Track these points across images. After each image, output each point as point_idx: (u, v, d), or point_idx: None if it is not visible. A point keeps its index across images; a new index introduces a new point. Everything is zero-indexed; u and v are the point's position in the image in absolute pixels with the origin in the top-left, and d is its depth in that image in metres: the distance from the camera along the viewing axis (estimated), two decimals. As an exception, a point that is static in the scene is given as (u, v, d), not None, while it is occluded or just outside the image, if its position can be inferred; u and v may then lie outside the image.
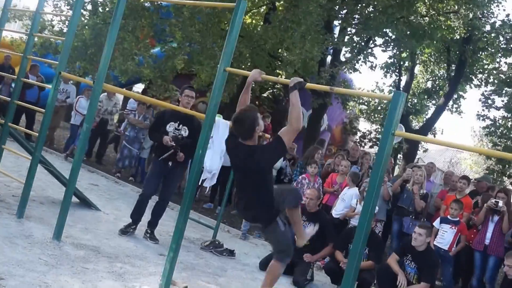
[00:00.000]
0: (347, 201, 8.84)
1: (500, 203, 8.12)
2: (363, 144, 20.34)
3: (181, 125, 7.37)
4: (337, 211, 8.89)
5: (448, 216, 8.39)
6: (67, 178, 6.49)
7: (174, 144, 7.20)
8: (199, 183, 6.91)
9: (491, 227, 8.25)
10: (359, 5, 13.13)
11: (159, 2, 13.58)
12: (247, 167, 4.53)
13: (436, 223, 8.49)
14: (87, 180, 10.64)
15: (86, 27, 14.54)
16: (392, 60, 15.82)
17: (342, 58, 15.02)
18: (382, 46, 15.12)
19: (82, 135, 6.33)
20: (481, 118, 16.98)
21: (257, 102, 18.99)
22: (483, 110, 16.99)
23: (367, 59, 14.02)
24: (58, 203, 6.91)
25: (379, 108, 18.88)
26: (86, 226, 7.14)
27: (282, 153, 4.53)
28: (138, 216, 7.43)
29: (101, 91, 6.39)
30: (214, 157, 7.44)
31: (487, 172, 17.62)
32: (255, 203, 4.63)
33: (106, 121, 13.21)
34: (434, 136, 19.63)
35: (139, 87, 24.51)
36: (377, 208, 6.91)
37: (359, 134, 20.72)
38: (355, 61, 14.04)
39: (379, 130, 19.40)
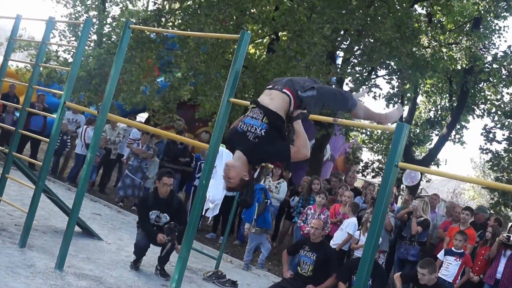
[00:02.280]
0: (344, 230, 8.86)
1: None
2: (365, 174, 20.31)
3: (161, 214, 7.38)
4: (334, 241, 8.91)
5: (453, 248, 8.32)
6: (70, 207, 6.48)
7: (170, 239, 7.15)
8: (202, 213, 6.89)
9: (503, 262, 8.17)
10: (362, 37, 13.23)
11: (165, 34, 13.74)
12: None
13: (440, 255, 8.43)
14: (90, 209, 10.61)
15: (91, 57, 14.68)
16: (394, 91, 15.86)
17: (346, 88, 15.10)
18: (385, 77, 15.21)
19: (86, 164, 6.34)
20: (484, 151, 17.00)
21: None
22: (485, 143, 17.01)
23: (370, 90, 14.10)
24: (61, 233, 6.89)
25: (381, 138, 18.91)
26: (89, 256, 7.10)
27: (284, 155, 4.18)
28: (140, 256, 7.37)
29: (105, 121, 6.43)
30: (217, 187, 7.44)
31: (491, 203, 17.54)
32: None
33: (110, 150, 13.24)
34: (438, 167, 19.60)
35: (142, 116, 24.61)
36: (380, 239, 6.88)
37: (361, 164, 20.70)
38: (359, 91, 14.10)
39: (382, 159, 19.40)
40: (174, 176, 7.57)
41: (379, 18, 12.63)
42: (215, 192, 7.51)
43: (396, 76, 15.00)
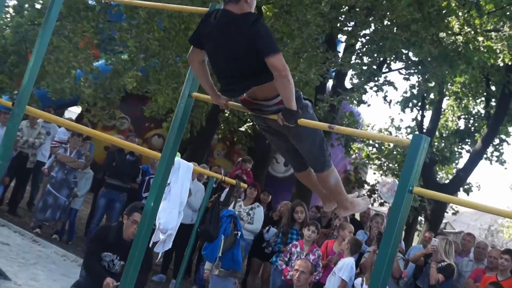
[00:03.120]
0: (337, 275, 8.82)
1: None
2: (372, 201, 20.43)
3: (117, 260, 7.35)
4: (325, 290, 8.89)
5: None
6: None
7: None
8: (149, 246, 6.88)
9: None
10: (372, 17, 13.31)
11: (108, 1, 13.63)
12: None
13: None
14: (-5, 237, 10.52)
15: (8, 27, 14.54)
16: (413, 91, 15.93)
17: (348, 85, 15.19)
18: (402, 72, 15.30)
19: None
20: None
21: (234, 139, 19.09)
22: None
23: (380, 88, 14.20)
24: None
25: (394, 152, 19.02)
26: (-10, 301, 7.04)
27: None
28: None
29: (22, 116, 6.38)
30: (171, 212, 7.41)
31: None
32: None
33: (26, 156, 13.11)
34: (468, 194, 19.74)
35: (73, 111, 24.48)
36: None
37: (366, 186, 20.84)
38: (364, 90, 14.14)
39: (394, 182, 19.51)
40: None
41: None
42: (168, 218, 7.46)
43: (416, 71, 15.04)
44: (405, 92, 17.28)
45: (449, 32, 14.45)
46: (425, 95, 18.19)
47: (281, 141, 5.02)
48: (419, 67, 14.73)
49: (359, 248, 9.26)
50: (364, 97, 14.54)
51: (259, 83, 4.52)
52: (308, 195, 14.62)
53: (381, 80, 14.55)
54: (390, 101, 15.68)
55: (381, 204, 20.66)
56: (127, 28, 13.60)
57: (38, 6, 14.83)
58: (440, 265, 9.19)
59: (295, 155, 5.02)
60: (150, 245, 7.07)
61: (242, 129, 18.57)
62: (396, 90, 14.33)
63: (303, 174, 5.14)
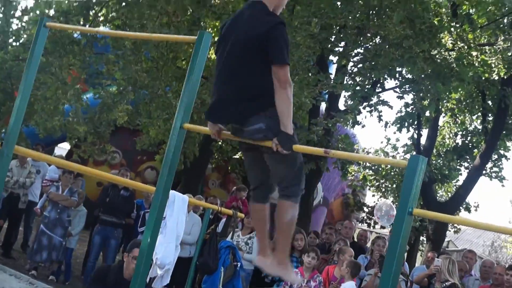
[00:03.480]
0: (338, 300, 8.84)
1: None
2: (372, 224, 20.42)
3: None
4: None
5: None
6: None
7: None
8: (146, 283, 6.85)
9: None
10: (363, 37, 13.37)
11: (94, 34, 13.59)
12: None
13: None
14: (-11, 280, 10.46)
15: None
16: (408, 110, 15.97)
17: (342, 106, 15.22)
18: (396, 90, 15.35)
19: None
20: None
21: (228, 167, 19.09)
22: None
23: (374, 108, 14.22)
24: None
25: (391, 172, 19.04)
26: None
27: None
28: None
29: (11, 156, 6.38)
30: (168, 247, 7.41)
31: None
32: (248, 91, 4.63)
33: (18, 196, 13.08)
34: (469, 211, 19.75)
35: (63, 147, 24.47)
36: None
37: (366, 209, 20.84)
38: (358, 111, 14.17)
39: (394, 202, 19.52)
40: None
41: (386, 10, 12.71)
42: (165, 253, 7.46)
43: (410, 88, 15.08)
44: (400, 111, 17.32)
45: (442, 48, 14.50)
46: (420, 113, 18.23)
47: (255, 160, 4.94)
48: (412, 85, 14.76)
49: (358, 270, 9.26)
50: (359, 118, 14.58)
51: (253, 111, 4.54)
52: (306, 221, 14.59)
53: (375, 99, 14.60)
54: (386, 123, 15.66)
55: (383, 227, 20.64)
56: (114, 60, 13.60)
57: (21, 40, 14.81)
58: (444, 285, 9.18)
59: (264, 179, 4.90)
60: (148, 280, 7.06)
61: (236, 156, 18.57)
62: (391, 108, 14.24)
63: (261, 206, 4.96)
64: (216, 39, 5.45)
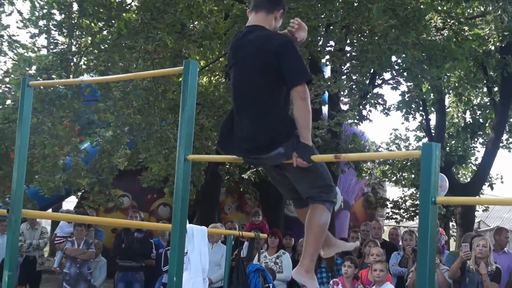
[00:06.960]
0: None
1: None
2: (399, 219, 20.33)
3: None
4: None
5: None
6: None
7: None
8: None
9: None
10: (348, 34, 13.34)
11: (78, 84, 13.50)
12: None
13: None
14: None
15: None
16: (408, 98, 15.92)
17: (344, 107, 15.20)
18: (391, 82, 15.35)
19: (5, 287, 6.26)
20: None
21: (241, 189, 19.04)
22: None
23: (376, 101, 14.21)
24: None
25: (408, 163, 18.96)
26: None
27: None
28: None
29: (20, 221, 6.38)
30: (195, 281, 7.39)
31: None
32: (264, 125, 4.63)
33: (34, 259, 13.09)
34: (492, 188, 19.66)
35: (70, 201, 24.45)
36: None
37: (389, 204, 20.77)
38: (361, 107, 14.16)
39: (416, 193, 19.47)
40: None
41: (366, 4, 12.69)
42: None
43: (404, 79, 15.04)
44: (401, 102, 17.33)
45: (432, 30, 14.47)
46: (424, 99, 18.16)
47: (279, 175, 4.98)
48: (405, 73, 14.71)
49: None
50: (363, 113, 14.54)
51: (275, 147, 4.58)
52: (331, 229, 14.52)
53: (375, 91, 14.62)
54: (388, 109, 15.59)
55: (410, 218, 20.56)
56: (103, 107, 13.62)
57: (8, 102, 14.79)
58: (489, 271, 8.83)
59: (296, 191, 4.93)
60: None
61: (245, 176, 18.47)
62: (385, 103, 14.12)
63: (305, 210, 4.95)
64: (201, 64, 5.49)
